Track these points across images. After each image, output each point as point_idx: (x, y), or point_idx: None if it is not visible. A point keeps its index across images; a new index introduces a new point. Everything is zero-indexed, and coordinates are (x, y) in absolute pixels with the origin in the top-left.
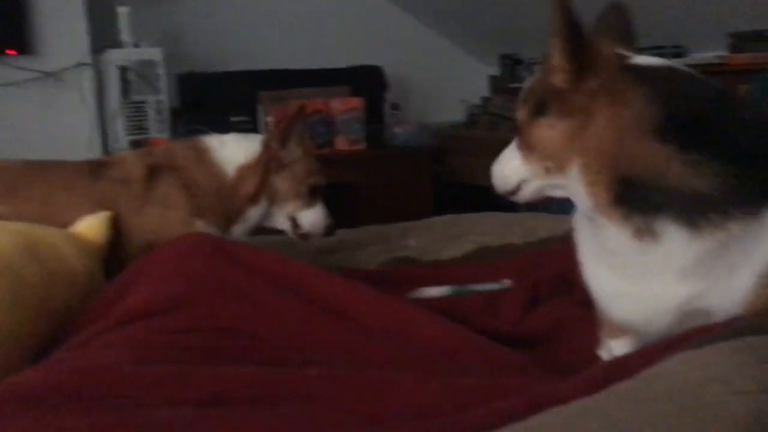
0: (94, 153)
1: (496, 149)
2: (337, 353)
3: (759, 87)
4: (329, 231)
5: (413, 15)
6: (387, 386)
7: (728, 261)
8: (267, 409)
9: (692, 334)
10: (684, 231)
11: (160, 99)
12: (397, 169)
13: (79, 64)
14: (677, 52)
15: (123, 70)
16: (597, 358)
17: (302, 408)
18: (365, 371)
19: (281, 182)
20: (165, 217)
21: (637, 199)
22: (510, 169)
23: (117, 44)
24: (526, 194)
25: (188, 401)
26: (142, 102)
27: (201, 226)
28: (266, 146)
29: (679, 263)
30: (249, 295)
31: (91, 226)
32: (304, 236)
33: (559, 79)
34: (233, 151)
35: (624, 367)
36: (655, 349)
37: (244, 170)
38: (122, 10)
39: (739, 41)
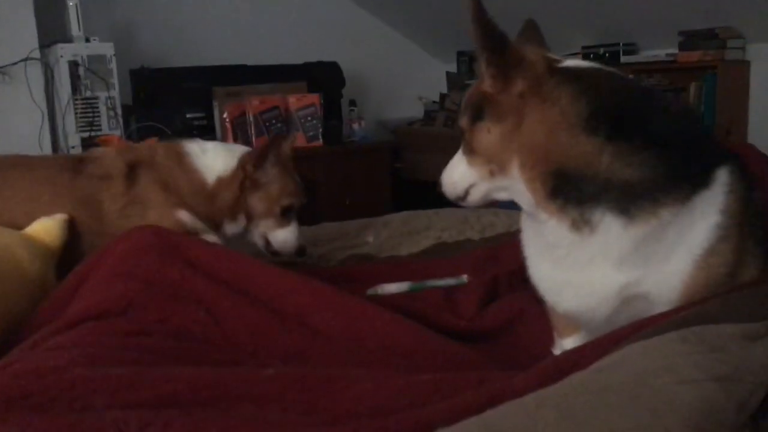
0: (44, 150)
1: (453, 145)
2: (292, 355)
3: (707, 84)
4: (300, 252)
5: (370, 11)
6: (343, 385)
7: (663, 247)
8: (222, 410)
9: (641, 325)
10: (618, 220)
11: (111, 95)
12: (355, 165)
13: (28, 59)
14: (629, 50)
15: (73, 65)
16: (551, 352)
17: (258, 409)
18: (321, 371)
19: (256, 201)
20: (146, 218)
21: (572, 191)
22: (458, 174)
23: (67, 38)
24: (474, 198)
25: (141, 403)
26: (94, 98)
27: (185, 216)
28: (241, 166)
29: (615, 251)
30: (202, 296)
31: (46, 228)
32: (275, 254)
33: (488, 85)
34: (213, 160)
35: (576, 360)
36: (607, 341)
37: (223, 182)
38: (72, 3)
39: (689, 39)
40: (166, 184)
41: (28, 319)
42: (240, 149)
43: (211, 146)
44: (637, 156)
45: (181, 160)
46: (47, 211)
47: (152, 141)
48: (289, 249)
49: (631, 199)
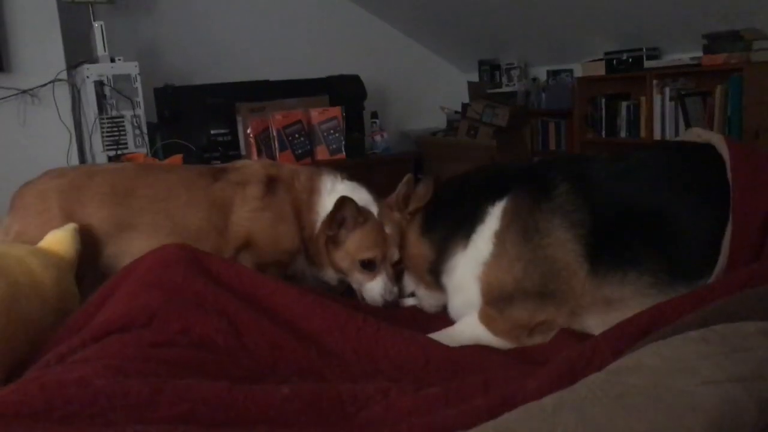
0: None
1: (475, 155)
2: (308, 372)
3: (732, 87)
4: (390, 305)
5: (391, 24)
6: (358, 402)
7: (456, 277)
8: (238, 431)
9: (656, 317)
10: (443, 276)
11: (137, 113)
12: (378, 177)
13: (55, 80)
14: (652, 55)
15: (99, 84)
16: (558, 348)
17: (274, 430)
18: (334, 390)
19: (338, 259)
20: (275, 228)
21: (437, 276)
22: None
23: (93, 59)
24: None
25: (159, 419)
26: (120, 117)
27: (299, 246)
28: (322, 227)
29: (449, 298)
30: (225, 308)
31: (58, 240)
32: (386, 306)
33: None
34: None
35: (589, 359)
36: (618, 336)
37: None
38: (97, 24)
39: (714, 42)
40: (299, 210)
41: (52, 330)
42: (365, 197)
43: (341, 188)
44: (433, 239)
45: (311, 196)
46: (184, 211)
47: (178, 158)
48: (376, 301)
49: (439, 264)
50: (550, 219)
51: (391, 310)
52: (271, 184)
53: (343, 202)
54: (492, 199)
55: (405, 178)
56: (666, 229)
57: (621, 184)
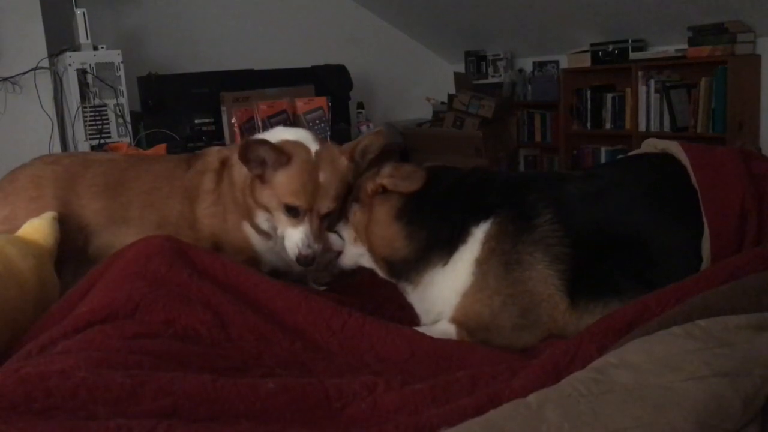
0: None
1: (461, 146)
2: (294, 365)
3: (717, 79)
4: (304, 260)
5: (377, 14)
6: (344, 398)
7: (431, 295)
8: (222, 426)
9: (641, 310)
10: (410, 286)
11: (120, 102)
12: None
13: (37, 68)
14: (638, 46)
15: (82, 73)
16: (543, 343)
17: (259, 426)
18: (322, 383)
19: (267, 197)
20: (225, 222)
21: (396, 272)
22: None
23: (75, 47)
24: (345, 259)
25: (142, 413)
26: (102, 105)
27: (248, 228)
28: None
29: (415, 306)
30: (210, 300)
31: (36, 228)
32: (300, 261)
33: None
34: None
35: (574, 355)
36: (603, 331)
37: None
38: (80, 12)
39: (699, 34)
40: (234, 187)
41: (33, 320)
42: (302, 134)
43: (270, 133)
44: (413, 237)
45: (229, 161)
46: (165, 203)
47: (162, 147)
48: (291, 252)
49: (409, 271)
50: (532, 252)
51: (377, 305)
52: (221, 170)
53: (244, 145)
54: (477, 219)
55: (376, 129)
56: (645, 252)
57: (595, 209)
